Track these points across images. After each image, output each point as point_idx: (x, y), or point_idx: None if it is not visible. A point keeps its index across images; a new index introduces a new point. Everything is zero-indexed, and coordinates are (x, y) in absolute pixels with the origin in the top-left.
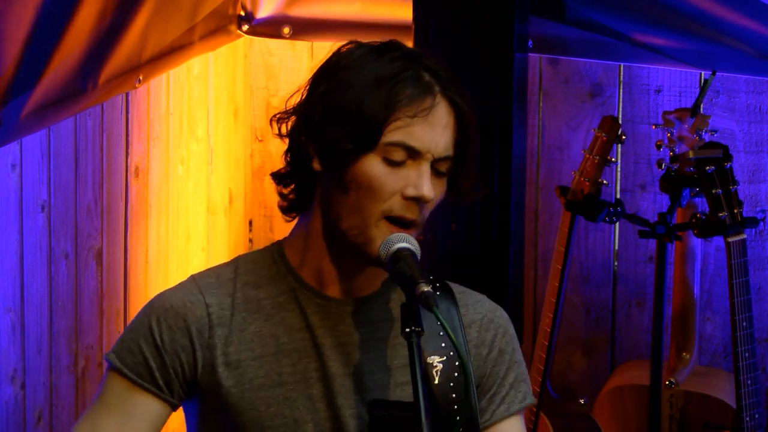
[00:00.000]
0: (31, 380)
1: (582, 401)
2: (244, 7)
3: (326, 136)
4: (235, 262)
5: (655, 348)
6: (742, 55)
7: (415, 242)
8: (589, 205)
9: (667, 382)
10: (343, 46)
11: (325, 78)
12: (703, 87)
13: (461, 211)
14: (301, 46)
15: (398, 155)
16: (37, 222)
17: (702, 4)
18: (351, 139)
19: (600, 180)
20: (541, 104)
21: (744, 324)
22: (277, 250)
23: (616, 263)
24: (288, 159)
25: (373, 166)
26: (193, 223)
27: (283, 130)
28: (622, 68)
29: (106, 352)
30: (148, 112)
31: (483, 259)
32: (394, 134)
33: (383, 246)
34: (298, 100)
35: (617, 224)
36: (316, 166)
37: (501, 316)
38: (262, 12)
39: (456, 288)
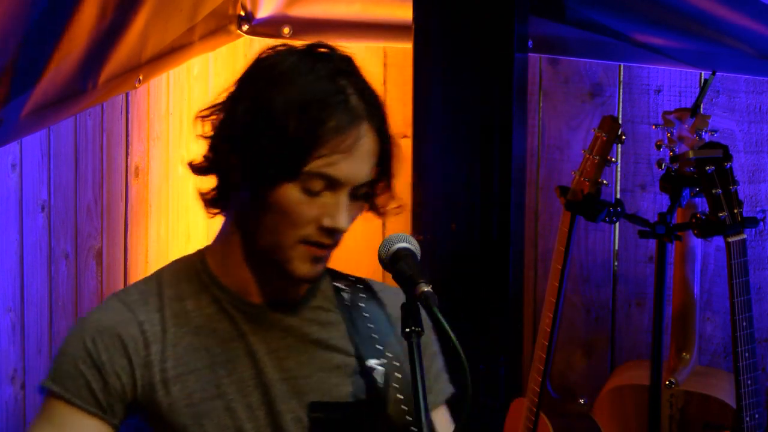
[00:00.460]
0: (31, 380)
1: (582, 401)
2: (244, 7)
3: (246, 156)
4: (158, 276)
5: (655, 348)
6: (742, 55)
7: (415, 242)
8: (589, 205)
9: (667, 382)
10: (273, 48)
11: (251, 88)
12: (703, 87)
13: (461, 211)
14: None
15: (317, 185)
16: (37, 222)
17: (702, 4)
18: (271, 166)
19: (600, 180)
20: (541, 104)
21: (744, 324)
22: (199, 259)
23: (616, 263)
24: (210, 158)
25: (290, 193)
26: (193, 223)
27: (208, 128)
28: (622, 68)
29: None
30: (148, 112)
31: (483, 259)
32: (316, 165)
33: (383, 246)
34: (224, 100)
35: (617, 224)
36: (235, 178)
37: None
38: (262, 12)
39: (375, 285)
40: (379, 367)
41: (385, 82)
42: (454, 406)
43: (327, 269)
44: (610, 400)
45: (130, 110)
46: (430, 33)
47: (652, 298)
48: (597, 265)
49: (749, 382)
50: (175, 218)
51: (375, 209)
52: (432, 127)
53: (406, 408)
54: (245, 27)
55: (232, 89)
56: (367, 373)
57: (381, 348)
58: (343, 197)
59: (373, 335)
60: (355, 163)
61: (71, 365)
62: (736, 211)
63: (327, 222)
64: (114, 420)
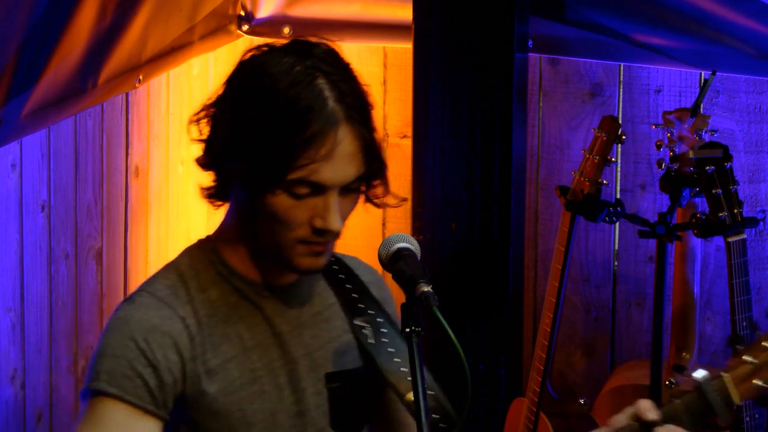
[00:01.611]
0: (31, 380)
1: (582, 401)
2: (244, 7)
3: (234, 163)
4: (176, 268)
5: (655, 348)
6: (742, 55)
7: (415, 242)
8: (589, 205)
9: (667, 382)
10: (257, 48)
11: (233, 96)
12: (703, 87)
13: (461, 211)
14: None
15: (302, 190)
16: (37, 222)
17: (702, 3)
18: (254, 175)
19: (600, 180)
20: (541, 104)
21: (744, 324)
22: (211, 249)
23: (616, 263)
24: (205, 157)
25: (279, 199)
26: (193, 223)
27: (203, 129)
28: (622, 68)
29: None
30: (148, 112)
31: (483, 259)
32: (298, 174)
33: (383, 246)
34: (215, 103)
35: (617, 224)
36: (229, 179)
37: (381, 275)
38: (262, 12)
39: (342, 257)
40: (366, 324)
41: (385, 82)
42: (454, 406)
43: None
44: (610, 400)
45: (130, 110)
46: (430, 33)
47: (652, 298)
48: (597, 265)
49: None
50: (175, 218)
51: (371, 201)
52: (432, 127)
53: (399, 360)
54: (245, 27)
55: (220, 92)
56: (358, 332)
57: (363, 306)
58: (331, 198)
59: (353, 295)
60: (336, 167)
61: (126, 366)
62: (736, 211)
63: (318, 223)
64: (166, 415)
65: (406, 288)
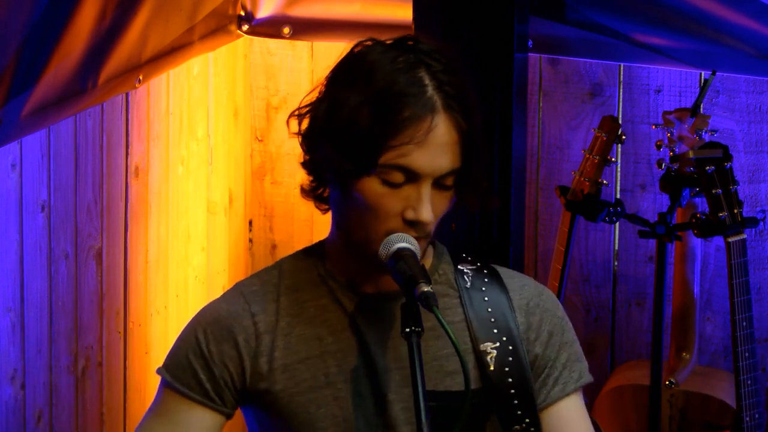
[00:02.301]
0: (31, 380)
1: None
2: (244, 7)
3: (325, 153)
4: (279, 266)
5: (655, 348)
6: (742, 55)
7: (415, 242)
8: (589, 205)
9: (667, 382)
10: (360, 43)
11: (333, 86)
12: (703, 87)
13: (461, 211)
14: (301, 46)
15: (396, 177)
16: (37, 222)
17: (702, 3)
18: (348, 159)
19: (600, 180)
20: (541, 104)
21: (744, 324)
22: (318, 252)
23: (616, 263)
24: (305, 155)
25: (371, 187)
26: (193, 223)
27: (297, 126)
28: (622, 68)
29: (106, 352)
30: (148, 112)
31: (483, 259)
32: (391, 158)
33: (383, 246)
34: (316, 98)
35: (617, 224)
36: (325, 174)
37: (547, 299)
38: (262, 12)
39: (503, 272)
40: (493, 350)
41: None
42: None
43: (451, 254)
44: (610, 400)
45: (130, 110)
46: (430, 33)
47: (652, 298)
48: (597, 265)
49: (749, 382)
50: (175, 218)
51: (462, 201)
52: None
53: (515, 392)
54: (245, 27)
55: (321, 87)
56: (479, 357)
57: (496, 331)
58: (425, 189)
59: (491, 319)
60: (430, 154)
61: (182, 355)
62: (736, 211)
63: (410, 214)
64: (224, 408)
65: (406, 288)
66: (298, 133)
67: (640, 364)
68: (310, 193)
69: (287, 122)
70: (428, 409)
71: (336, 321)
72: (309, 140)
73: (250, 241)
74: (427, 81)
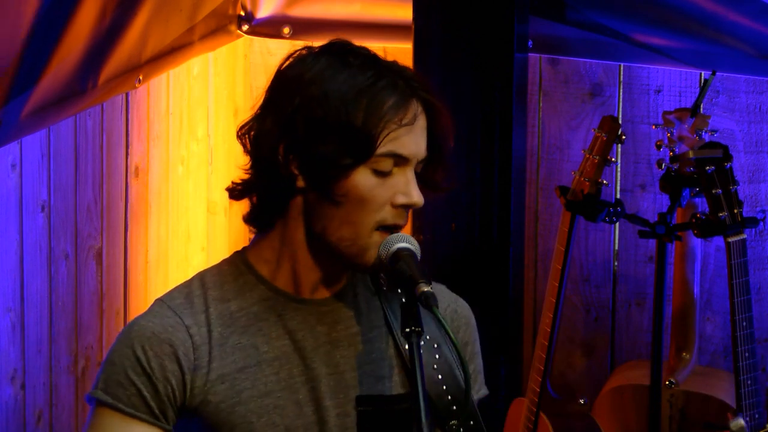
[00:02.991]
0: (31, 380)
1: (582, 401)
2: (244, 7)
3: (315, 152)
4: (200, 278)
5: (655, 348)
6: (742, 55)
7: (414, 242)
8: (589, 205)
9: (667, 382)
10: (294, 54)
11: (293, 91)
12: (703, 87)
13: (461, 211)
14: (301, 46)
15: (387, 165)
16: (37, 222)
17: (702, 3)
18: (344, 152)
19: (600, 180)
20: (541, 104)
21: (744, 324)
22: (241, 260)
23: (616, 263)
24: (258, 175)
25: (363, 178)
26: (193, 223)
27: (248, 145)
28: (622, 68)
29: (106, 352)
30: (148, 112)
31: (483, 259)
32: (385, 145)
33: (383, 246)
34: (259, 113)
35: (617, 224)
36: (300, 183)
37: (464, 307)
38: (262, 12)
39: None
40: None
41: None
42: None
43: None
44: (610, 400)
45: (130, 110)
46: (430, 33)
47: (652, 298)
48: (597, 265)
49: (749, 382)
50: (175, 218)
51: (429, 185)
52: None
53: (446, 388)
54: (245, 27)
55: (265, 101)
56: (403, 356)
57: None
58: (410, 173)
59: (413, 321)
60: (416, 137)
61: (121, 374)
62: (736, 211)
63: (401, 199)
64: (167, 425)
65: (406, 288)
66: (252, 151)
67: (640, 364)
68: (255, 215)
69: (237, 136)
70: (428, 409)
71: (270, 328)
72: (285, 143)
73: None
74: (395, 77)
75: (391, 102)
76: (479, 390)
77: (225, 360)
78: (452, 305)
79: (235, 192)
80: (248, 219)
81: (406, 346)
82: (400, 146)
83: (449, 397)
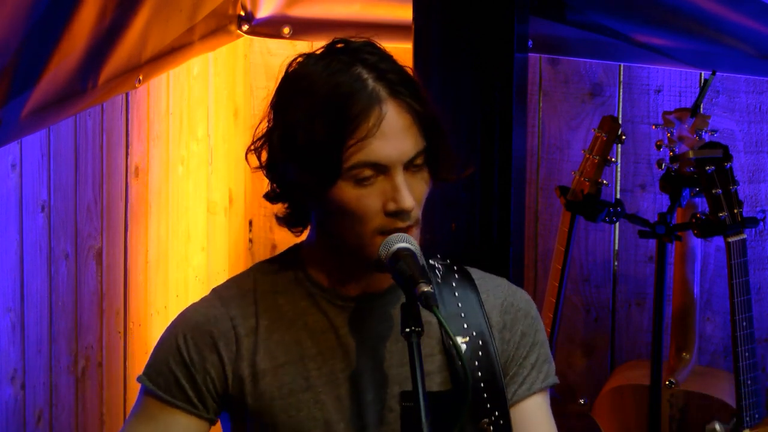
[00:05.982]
0: (31, 380)
1: (582, 401)
2: (244, 7)
3: (291, 175)
4: (254, 271)
5: (655, 348)
6: (742, 55)
7: (414, 242)
8: (589, 205)
9: (667, 382)
10: (292, 62)
11: (278, 106)
12: (703, 87)
13: (461, 211)
14: (301, 46)
15: (366, 173)
16: (37, 222)
17: (702, 3)
18: (312, 173)
19: (600, 180)
20: (541, 104)
21: (744, 324)
22: (294, 256)
23: (616, 263)
24: (272, 186)
25: (344, 192)
26: (193, 223)
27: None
28: (622, 68)
29: (106, 352)
30: (148, 112)
31: (483, 259)
32: (354, 157)
33: (383, 246)
34: (267, 126)
35: (617, 224)
36: (300, 196)
37: (521, 298)
38: (262, 12)
39: (475, 273)
40: (463, 344)
41: None
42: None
43: (423, 250)
44: (610, 400)
45: (130, 110)
46: (430, 33)
47: (652, 298)
48: (597, 265)
49: (749, 382)
50: (175, 218)
51: (438, 177)
52: None
53: (483, 386)
54: (245, 27)
55: (268, 115)
56: (450, 352)
57: (466, 326)
58: (398, 177)
59: (461, 314)
60: (390, 143)
61: (162, 362)
62: (736, 211)
63: (391, 206)
64: (207, 414)
65: (406, 288)
66: (261, 167)
67: (640, 364)
68: (285, 220)
69: (246, 158)
70: (428, 409)
71: (315, 324)
72: (272, 169)
73: (250, 241)
74: (365, 75)
75: (355, 110)
76: (545, 380)
77: (269, 354)
78: (509, 299)
79: (270, 197)
80: (280, 220)
81: (458, 339)
82: (370, 154)
83: (485, 395)
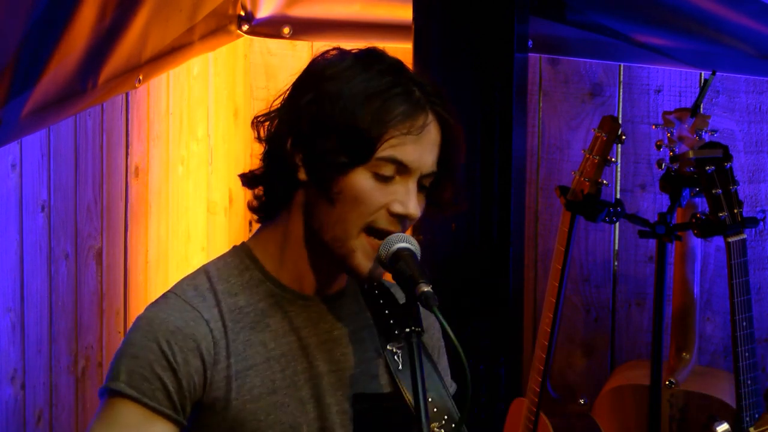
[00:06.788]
0: (31, 380)
1: (582, 401)
2: (244, 7)
3: (316, 147)
4: (205, 272)
5: (655, 348)
6: (742, 55)
7: (415, 242)
8: (589, 205)
9: (667, 382)
10: (326, 52)
11: (310, 86)
12: (703, 87)
13: (461, 211)
14: (301, 46)
15: (388, 170)
16: (37, 222)
17: (702, 3)
18: (343, 151)
19: (600, 180)
20: (541, 104)
21: (744, 324)
22: (246, 254)
23: (616, 263)
24: (267, 164)
25: (362, 179)
26: (193, 223)
27: (262, 133)
28: (622, 68)
29: (106, 352)
30: (148, 112)
31: (483, 259)
32: (386, 150)
33: (383, 246)
34: (280, 104)
35: (617, 224)
36: (302, 175)
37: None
38: (262, 12)
39: (387, 283)
40: (398, 350)
41: None
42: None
43: None
44: (610, 400)
45: (130, 110)
46: (430, 33)
47: (652, 298)
48: (597, 265)
49: (749, 382)
50: (175, 218)
51: (436, 203)
52: None
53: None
54: (245, 27)
55: (287, 93)
56: (389, 357)
57: (397, 333)
58: (412, 184)
59: (390, 321)
60: (422, 149)
61: (146, 368)
62: (736, 211)
63: (397, 208)
64: (183, 420)
65: (406, 288)
66: (262, 139)
67: (640, 364)
68: (258, 207)
69: (252, 125)
70: (428, 409)
71: (277, 325)
72: (286, 142)
73: None
74: (413, 86)
75: (401, 110)
76: (450, 385)
77: (238, 356)
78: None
79: (247, 178)
80: (253, 206)
81: (394, 345)
82: (402, 153)
83: (430, 399)
